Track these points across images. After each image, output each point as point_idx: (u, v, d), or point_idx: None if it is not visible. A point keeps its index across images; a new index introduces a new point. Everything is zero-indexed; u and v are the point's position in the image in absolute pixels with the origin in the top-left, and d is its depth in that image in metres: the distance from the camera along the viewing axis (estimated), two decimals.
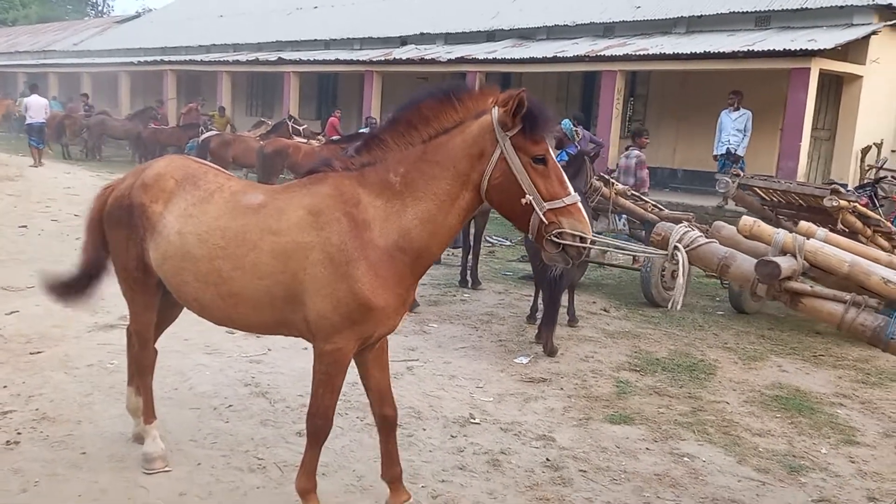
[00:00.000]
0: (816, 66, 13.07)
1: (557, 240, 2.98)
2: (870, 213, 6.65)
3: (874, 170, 14.60)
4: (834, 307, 2.64)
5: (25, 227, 10.60)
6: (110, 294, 7.22)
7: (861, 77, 14.25)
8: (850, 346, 7.16)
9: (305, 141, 16.03)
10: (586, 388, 5.63)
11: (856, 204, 6.49)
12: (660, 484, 4.16)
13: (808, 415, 5.31)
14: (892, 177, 12.51)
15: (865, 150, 14.71)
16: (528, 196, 2.99)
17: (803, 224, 3.23)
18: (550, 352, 6.27)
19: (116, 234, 3.68)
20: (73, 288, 4.06)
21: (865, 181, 13.44)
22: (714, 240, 2.98)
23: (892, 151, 15.63)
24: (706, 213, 12.10)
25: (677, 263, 2.91)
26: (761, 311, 8.38)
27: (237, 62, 25.37)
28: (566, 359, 6.31)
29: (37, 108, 19.50)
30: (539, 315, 7.23)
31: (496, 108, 3.02)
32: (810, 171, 14.82)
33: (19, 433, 4.22)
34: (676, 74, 16.53)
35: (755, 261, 2.76)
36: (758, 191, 7.57)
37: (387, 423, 3.59)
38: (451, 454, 4.36)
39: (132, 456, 4.03)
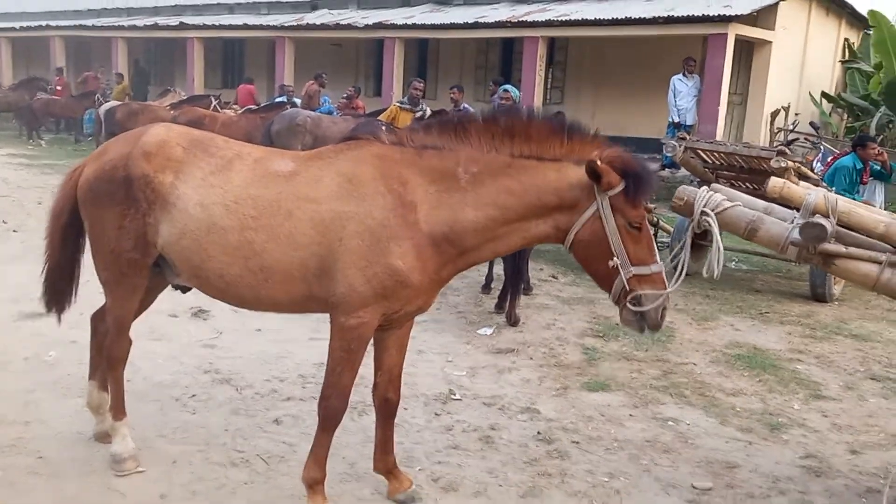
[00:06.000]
0: (733, 32, 13.43)
1: (635, 307, 2.88)
2: (810, 173, 6.85)
3: (783, 132, 15.23)
4: (869, 268, 2.63)
5: None
6: (29, 280, 6.75)
7: (771, 42, 14.75)
8: (789, 303, 7.43)
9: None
10: (556, 357, 5.57)
11: (799, 165, 6.66)
12: (653, 450, 4.14)
13: (772, 372, 5.43)
14: (805, 138, 13.09)
15: (775, 114, 15.30)
16: (615, 259, 2.85)
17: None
18: (514, 321, 6.18)
19: (104, 213, 3.25)
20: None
21: (776, 144, 13.98)
22: (738, 203, 2.92)
23: (796, 115, 16.32)
24: None
25: (706, 229, 2.82)
26: (698, 271, 8.56)
27: (134, 27, 23.82)
28: (529, 328, 6.23)
29: None
30: (494, 286, 7.14)
31: (599, 162, 2.79)
32: (725, 135, 15.29)
33: None
34: (594, 41, 16.63)
35: (784, 224, 2.71)
36: (701, 153, 7.68)
37: (388, 407, 3.43)
38: (441, 433, 4.20)
39: (97, 457, 3.66)
